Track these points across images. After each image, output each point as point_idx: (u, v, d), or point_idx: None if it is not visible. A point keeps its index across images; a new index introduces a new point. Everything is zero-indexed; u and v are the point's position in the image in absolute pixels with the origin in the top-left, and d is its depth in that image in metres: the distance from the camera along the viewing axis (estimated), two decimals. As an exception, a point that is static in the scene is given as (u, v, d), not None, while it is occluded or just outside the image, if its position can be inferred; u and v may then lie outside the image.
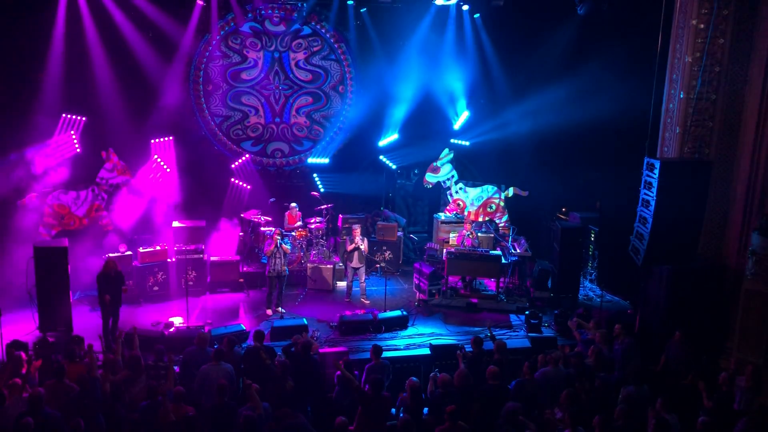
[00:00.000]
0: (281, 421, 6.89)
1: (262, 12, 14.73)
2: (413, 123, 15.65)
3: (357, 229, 12.57)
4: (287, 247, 11.78)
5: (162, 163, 13.57)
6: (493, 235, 13.82)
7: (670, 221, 9.68)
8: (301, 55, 15.38)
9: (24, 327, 10.19)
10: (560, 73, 14.31)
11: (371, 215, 15.13)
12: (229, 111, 15.30)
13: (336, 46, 15.45)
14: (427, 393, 8.08)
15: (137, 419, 6.88)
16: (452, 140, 15.86)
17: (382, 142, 15.74)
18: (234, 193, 14.95)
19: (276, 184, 15.59)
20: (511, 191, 15.10)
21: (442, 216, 14.93)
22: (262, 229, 13.48)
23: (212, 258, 12.88)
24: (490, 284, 13.12)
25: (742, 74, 10.15)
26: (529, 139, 14.66)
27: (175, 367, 8.36)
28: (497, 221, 14.94)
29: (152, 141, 13.60)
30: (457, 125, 16.01)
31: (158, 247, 12.42)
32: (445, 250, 13.13)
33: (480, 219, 15.00)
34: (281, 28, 15.08)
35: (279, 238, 11.60)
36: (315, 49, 15.42)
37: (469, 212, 15.19)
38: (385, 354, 9.19)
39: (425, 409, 7.67)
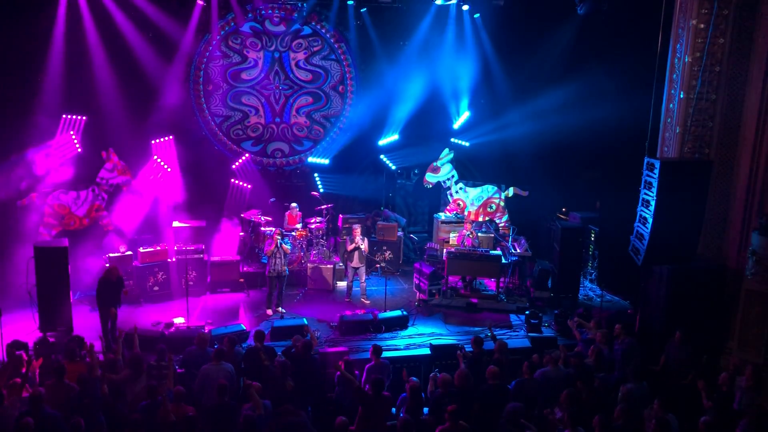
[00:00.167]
0: (282, 417, 6.90)
1: (263, 12, 14.74)
2: (413, 123, 15.65)
3: (357, 229, 12.57)
4: (287, 247, 11.79)
5: (162, 163, 13.58)
6: (493, 235, 13.83)
7: (670, 221, 9.67)
8: (301, 55, 15.39)
9: (24, 327, 10.18)
10: (560, 72, 14.33)
11: (371, 215, 15.14)
12: (230, 111, 15.30)
13: (336, 46, 15.46)
14: (427, 393, 8.08)
15: (138, 419, 6.88)
16: (452, 139, 15.87)
17: (383, 142, 15.75)
18: (234, 193, 14.96)
19: (276, 184, 15.60)
20: (511, 191, 15.10)
21: (442, 216, 14.93)
22: (263, 229, 13.48)
23: (212, 258, 12.88)
24: (490, 284, 13.12)
25: (742, 74, 10.15)
26: (529, 138, 14.64)
27: (180, 369, 8.38)
28: (497, 221, 14.94)
29: (153, 141, 13.60)
30: (456, 125, 16.02)
31: (158, 247, 12.42)
32: (445, 250, 13.13)
33: (480, 219, 15.00)
34: (281, 28, 15.08)
35: (279, 238, 11.60)
36: (315, 49, 15.43)
37: (470, 212, 15.20)
38: (385, 354, 9.20)
39: (425, 409, 7.68)
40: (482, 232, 13.84)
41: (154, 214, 13.39)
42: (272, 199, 14.71)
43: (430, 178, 15.33)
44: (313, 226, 13.84)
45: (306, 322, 10.60)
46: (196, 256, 12.45)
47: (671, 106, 10.73)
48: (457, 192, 15.35)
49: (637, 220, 10.22)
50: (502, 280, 12.75)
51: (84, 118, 12.87)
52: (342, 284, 13.09)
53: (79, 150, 12.84)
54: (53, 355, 8.70)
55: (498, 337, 9.54)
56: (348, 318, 11.05)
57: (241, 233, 13.87)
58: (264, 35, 15.05)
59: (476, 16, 15.13)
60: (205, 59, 14.81)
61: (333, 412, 7.54)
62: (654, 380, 8.40)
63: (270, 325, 10.71)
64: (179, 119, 14.38)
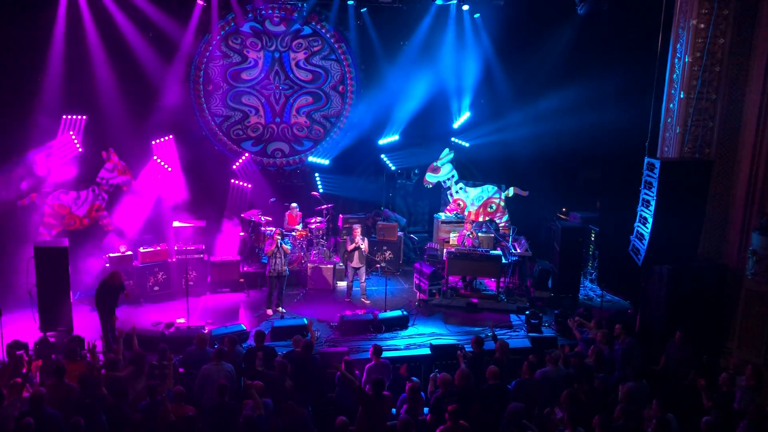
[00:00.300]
0: (284, 414, 6.91)
1: (263, 12, 14.74)
2: (414, 123, 15.65)
3: (357, 229, 12.57)
4: (288, 247, 11.79)
5: (162, 163, 13.58)
6: (493, 235, 13.82)
7: (670, 221, 9.67)
8: (301, 55, 15.39)
9: (24, 327, 10.18)
10: (560, 72, 14.34)
11: (372, 215, 15.14)
12: (230, 111, 15.31)
13: (336, 46, 15.46)
14: (428, 393, 8.08)
15: (139, 419, 6.88)
16: (453, 139, 15.88)
17: (383, 141, 15.75)
18: (234, 194, 14.96)
19: (276, 184, 15.60)
20: (511, 191, 15.10)
21: (442, 216, 14.93)
22: (263, 229, 13.48)
23: (213, 258, 12.88)
24: (490, 284, 13.11)
25: (742, 74, 10.15)
26: (529, 138, 14.66)
27: (180, 369, 8.38)
28: (497, 221, 14.94)
29: (153, 142, 13.60)
30: (456, 124, 16.02)
31: (159, 247, 12.43)
32: (445, 250, 13.13)
33: (480, 219, 15.00)
34: (281, 28, 15.08)
35: (279, 238, 11.61)
36: (315, 49, 15.43)
37: (470, 212, 15.19)
38: (386, 354, 9.20)
39: (425, 409, 7.68)
40: (482, 232, 13.84)
41: (155, 214, 13.39)
42: (272, 199, 14.71)
43: (431, 178, 15.33)
44: (313, 226, 13.84)
45: (306, 322, 10.60)
46: (196, 256, 12.45)
47: (671, 106, 10.73)
48: (457, 192, 15.35)
49: (637, 220, 10.22)
50: (502, 280, 12.75)
51: (84, 117, 12.88)
52: (342, 284, 13.09)
53: (80, 150, 12.84)
54: (53, 355, 8.71)
55: (498, 337, 9.54)
56: (348, 318, 11.05)
57: (242, 233, 13.87)
58: (264, 35, 15.05)
59: (476, 16, 15.13)
60: (205, 59, 14.82)
61: (333, 412, 7.54)
62: (654, 380, 8.40)
63: (270, 325, 10.71)
64: (179, 119, 14.39)
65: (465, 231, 13.36)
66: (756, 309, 9.66)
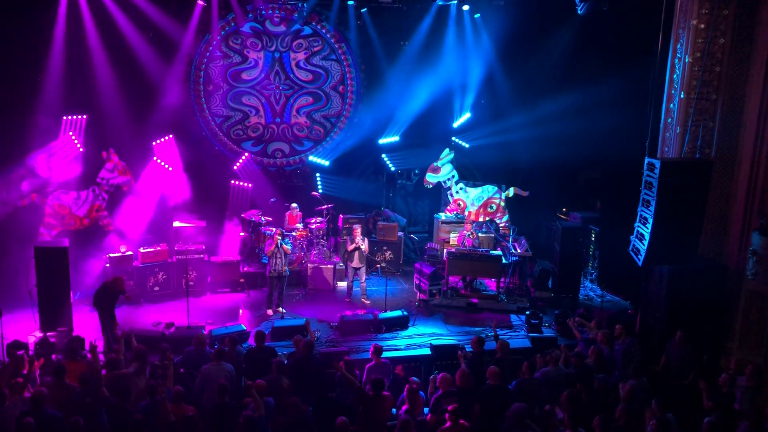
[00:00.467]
0: (286, 411, 6.91)
1: (263, 12, 14.74)
2: (414, 123, 15.64)
3: (357, 229, 12.57)
4: (288, 247, 11.79)
5: (163, 164, 13.58)
6: (493, 235, 13.82)
7: (670, 221, 9.67)
8: (301, 56, 15.39)
9: (25, 327, 10.19)
10: (561, 72, 14.33)
11: (372, 215, 15.14)
12: (230, 111, 15.31)
13: (336, 46, 15.46)
14: (428, 394, 8.08)
15: (140, 420, 6.89)
16: (453, 138, 15.87)
17: (383, 141, 15.75)
18: (235, 194, 14.95)
19: (277, 184, 15.60)
20: (511, 191, 15.10)
21: (442, 216, 14.93)
22: (263, 229, 13.48)
23: (213, 258, 12.88)
24: (490, 284, 13.11)
25: (742, 74, 10.15)
26: (529, 138, 14.64)
27: (181, 369, 8.39)
28: (498, 221, 14.94)
29: (153, 143, 13.59)
30: (456, 124, 16.02)
31: (159, 247, 12.42)
32: (445, 250, 13.13)
33: (480, 219, 15.00)
34: (282, 28, 15.09)
35: (280, 238, 11.61)
36: (315, 49, 15.43)
37: (470, 212, 15.19)
38: (386, 354, 9.20)
39: (426, 409, 7.68)
40: (483, 232, 13.84)
41: (155, 214, 13.37)
42: (272, 200, 14.71)
43: (431, 178, 15.33)
44: (313, 226, 13.84)
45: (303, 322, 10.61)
46: (196, 256, 12.45)
47: (671, 106, 10.73)
48: (457, 192, 15.35)
49: (637, 220, 10.22)
50: (502, 280, 12.75)
51: (84, 117, 12.87)
52: (342, 284, 13.09)
53: (81, 150, 12.84)
54: (54, 355, 8.71)
55: (499, 337, 9.54)
56: (348, 318, 11.05)
57: (242, 233, 13.87)
58: (264, 35, 15.06)
59: (477, 16, 15.13)
60: (205, 59, 14.82)
61: (334, 412, 7.54)
62: (654, 380, 8.40)
63: (270, 325, 10.71)
64: (179, 119, 14.38)
65: (465, 231, 13.36)
66: (756, 309, 9.67)
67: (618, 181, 12.79)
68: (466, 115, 16.00)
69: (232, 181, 15.00)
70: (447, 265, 12.66)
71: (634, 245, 10.36)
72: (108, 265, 11.87)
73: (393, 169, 15.94)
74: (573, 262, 12.55)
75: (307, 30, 15.26)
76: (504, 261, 12.68)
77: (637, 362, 8.50)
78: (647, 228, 9.83)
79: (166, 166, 13.59)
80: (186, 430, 6.64)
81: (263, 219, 13.77)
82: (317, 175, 15.69)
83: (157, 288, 12.27)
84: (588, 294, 13.25)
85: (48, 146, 12.47)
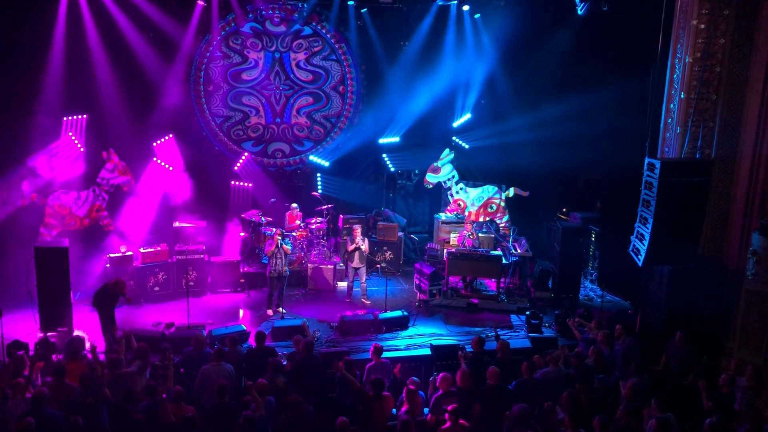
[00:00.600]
0: (288, 409, 6.91)
1: (263, 12, 14.74)
2: (414, 124, 15.63)
3: (358, 229, 12.57)
4: (288, 247, 11.79)
5: (163, 164, 13.58)
6: (493, 236, 13.82)
7: (670, 221, 9.67)
8: (301, 56, 15.39)
9: (25, 327, 10.19)
10: (561, 72, 14.33)
11: (372, 215, 15.14)
12: (230, 111, 15.31)
13: (337, 46, 15.46)
14: (428, 394, 8.08)
15: (141, 420, 6.89)
16: (453, 138, 15.87)
17: (383, 141, 15.75)
18: (235, 194, 14.96)
19: (277, 184, 15.60)
20: (511, 191, 15.09)
21: (442, 216, 14.92)
22: (263, 229, 13.48)
23: (213, 258, 12.88)
24: (490, 284, 13.11)
25: (742, 74, 10.15)
26: (529, 138, 14.64)
27: (181, 369, 8.40)
28: (498, 221, 14.94)
29: (154, 143, 13.59)
30: (456, 124, 16.02)
31: (159, 248, 12.42)
32: (445, 251, 13.12)
33: (481, 219, 15.00)
34: (282, 28, 15.09)
35: (280, 238, 11.61)
36: (316, 49, 15.43)
37: (470, 212, 15.19)
38: (386, 354, 9.20)
39: (426, 409, 7.68)
40: (483, 233, 13.83)
41: (155, 214, 13.37)
42: (273, 200, 14.71)
43: (431, 178, 15.33)
44: (313, 227, 13.84)
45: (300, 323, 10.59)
46: (196, 256, 12.45)
47: (672, 106, 10.74)
48: (457, 192, 15.34)
49: (637, 220, 10.22)
50: (502, 280, 12.74)
51: (85, 117, 12.87)
52: (342, 284, 13.09)
53: (81, 150, 12.84)
54: (54, 356, 8.71)
55: (500, 337, 9.54)
56: (348, 318, 11.05)
57: (242, 234, 13.88)
58: (264, 35, 15.06)
59: (477, 16, 15.13)
60: (205, 60, 14.82)
61: (334, 412, 7.54)
62: (654, 380, 8.40)
63: (270, 325, 10.71)
64: (180, 119, 14.38)
65: (465, 231, 13.36)
66: (756, 309, 9.67)
67: (618, 181, 12.79)
68: (467, 116, 16.01)
69: (233, 182, 15.00)
70: (447, 266, 12.66)
71: (634, 245, 10.36)
72: (108, 265, 11.87)
73: (393, 169, 15.94)
74: (573, 263, 12.56)
75: (308, 30, 15.26)
76: (504, 261, 12.68)
77: (637, 363, 8.50)
78: (647, 228, 9.83)
79: (167, 166, 13.59)
80: (186, 431, 6.64)
81: (263, 219, 13.77)
82: (317, 175, 15.70)
83: (157, 288, 12.27)
84: (588, 294, 13.24)
85: (48, 146, 12.48)
